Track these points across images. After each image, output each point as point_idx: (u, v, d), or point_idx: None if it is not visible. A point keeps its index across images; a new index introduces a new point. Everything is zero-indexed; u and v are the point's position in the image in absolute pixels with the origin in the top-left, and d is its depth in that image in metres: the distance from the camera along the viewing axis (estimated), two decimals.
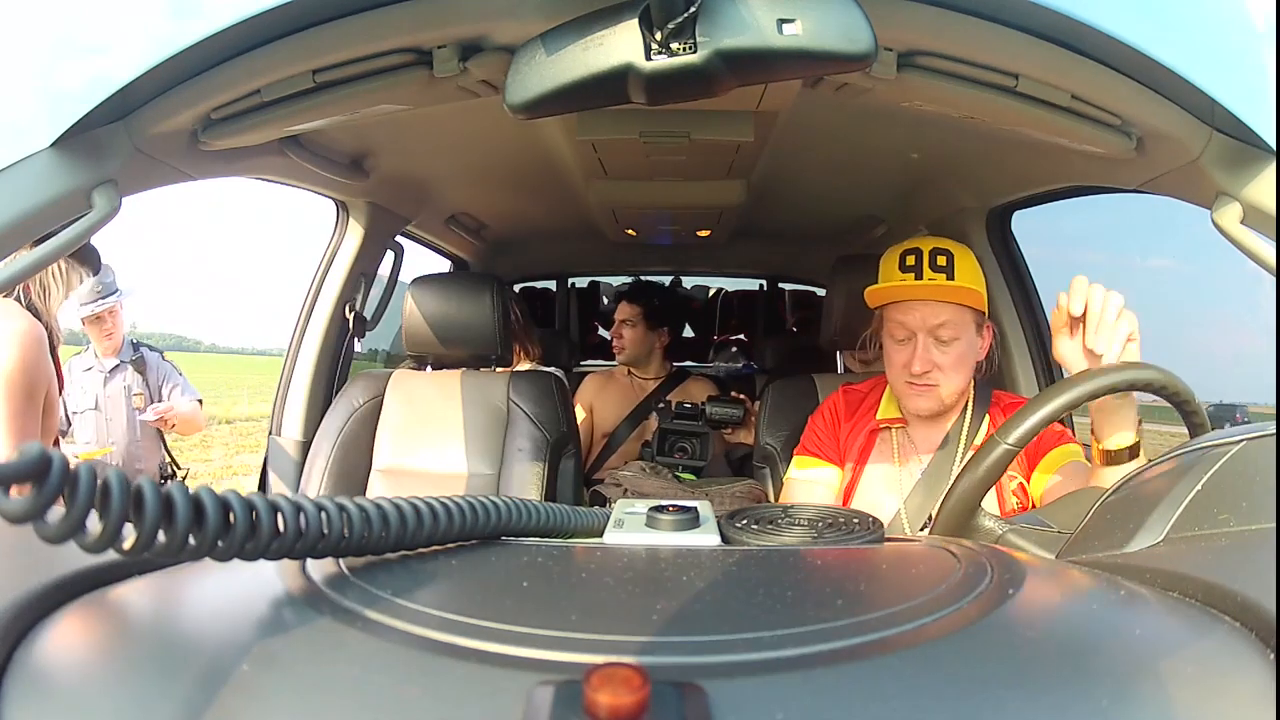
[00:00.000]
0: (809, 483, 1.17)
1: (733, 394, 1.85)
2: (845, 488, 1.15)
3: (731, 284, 3.09)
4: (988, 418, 1.10)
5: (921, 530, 1.05)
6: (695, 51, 0.56)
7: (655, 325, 2.10)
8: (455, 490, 0.94)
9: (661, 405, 1.78)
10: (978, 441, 1.08)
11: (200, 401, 2.39)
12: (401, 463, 1.48)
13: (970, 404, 1.11)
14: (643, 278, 2.64)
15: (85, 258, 1.49)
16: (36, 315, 1.29)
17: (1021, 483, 1.05)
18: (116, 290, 2.20)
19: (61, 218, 0.73)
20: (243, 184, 1.21)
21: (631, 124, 1.19)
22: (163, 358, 2.38)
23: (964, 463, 1.06)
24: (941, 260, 1.06)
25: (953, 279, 1.05)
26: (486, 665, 0.26)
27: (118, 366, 2.27)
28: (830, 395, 1.23)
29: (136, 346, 2.34)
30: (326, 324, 1.61)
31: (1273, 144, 0.71)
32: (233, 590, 0.34)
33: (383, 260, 1.72)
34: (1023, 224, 1.52)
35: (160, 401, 2.27)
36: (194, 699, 0.24)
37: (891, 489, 1.11)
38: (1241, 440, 0.44)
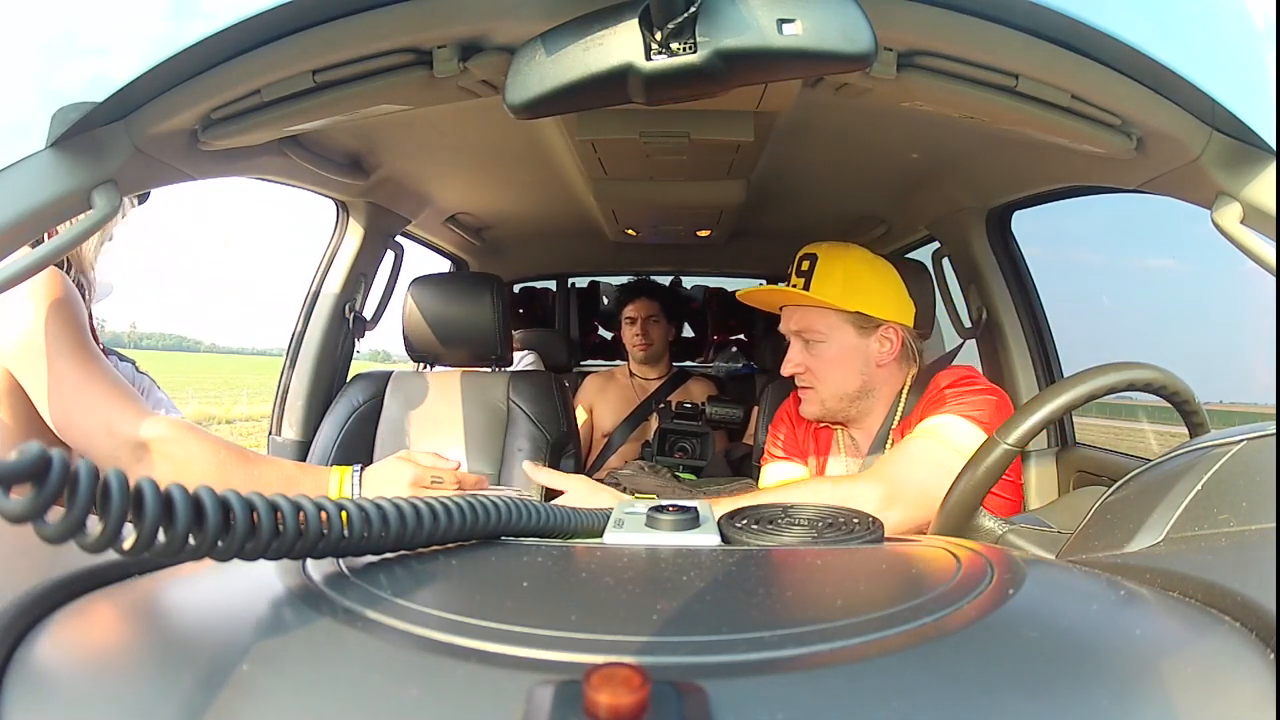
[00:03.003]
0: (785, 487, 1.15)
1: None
2: None
3: (729, 283, 3.08)
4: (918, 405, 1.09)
5: None
6: (695, 51, 0.56)
7: (671, 321, 2.13)
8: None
9: (662, 406, 1.79)
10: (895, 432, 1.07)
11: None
12: None
13: (903, 396, 1.10)
14: (644, 277, 2.63)
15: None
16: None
17: None
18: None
19: (61, 218, 0.73)
20: (243, 183, 1.18)
21: (631, 124, 1.19)
22: (137, 369, 1.92)
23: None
24: (805, 265, 1.07)
25: (809, 283, 1.05)
26: (486, 665, 0.26)
27: None
28: (784, 401, 1.24)
29: (105, 354, 1.95)
30: (326, 324, 1.60)
31: (1273, 144, 0.71)
32: (233, 590, 0.34)
33: (383, 260, 1.72)
34: (1023, 224, 1.51)
35: None
36: (194, 699, 0.24)
37: None
38: (1241, 440, 0.44)
